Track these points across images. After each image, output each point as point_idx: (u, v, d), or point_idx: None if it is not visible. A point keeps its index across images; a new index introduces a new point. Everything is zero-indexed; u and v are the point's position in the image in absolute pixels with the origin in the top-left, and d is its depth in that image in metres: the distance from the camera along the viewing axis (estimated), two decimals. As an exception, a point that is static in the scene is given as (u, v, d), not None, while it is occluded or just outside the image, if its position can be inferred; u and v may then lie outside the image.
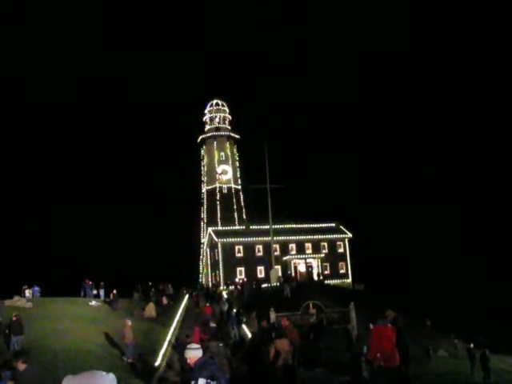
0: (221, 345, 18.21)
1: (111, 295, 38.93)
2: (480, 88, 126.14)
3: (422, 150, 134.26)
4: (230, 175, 78.53)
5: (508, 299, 43.49)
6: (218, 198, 76.73)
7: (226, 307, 38.22)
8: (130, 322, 24.59)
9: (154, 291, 46.08)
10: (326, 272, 64.37)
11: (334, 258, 66.66)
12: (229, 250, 63.94)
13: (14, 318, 22.24)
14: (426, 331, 33.91)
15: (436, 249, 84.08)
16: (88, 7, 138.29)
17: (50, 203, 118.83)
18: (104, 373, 4.94)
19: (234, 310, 35.84)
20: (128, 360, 22.78)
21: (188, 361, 7.55)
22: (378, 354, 11.12)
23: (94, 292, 42.52)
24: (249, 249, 64.20)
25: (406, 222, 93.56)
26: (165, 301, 42.61)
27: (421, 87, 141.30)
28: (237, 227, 69.47)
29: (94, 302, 38.32)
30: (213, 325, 28.53)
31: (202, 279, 75.27)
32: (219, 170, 78.16)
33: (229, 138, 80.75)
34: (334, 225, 69.00)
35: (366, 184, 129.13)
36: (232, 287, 53.22)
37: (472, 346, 26.52)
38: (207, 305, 37.68)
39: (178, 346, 23.43)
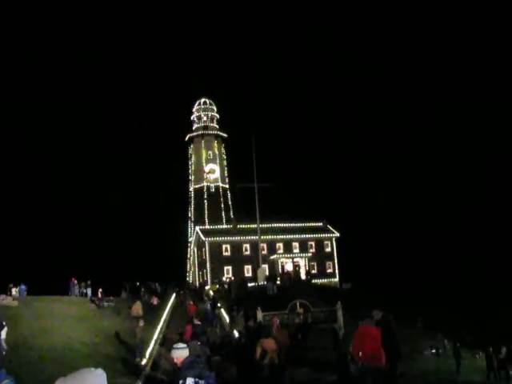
0: (199, 343, 18.19)
1: (98, 294, 38.84)
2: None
3: (413, 144, 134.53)
4: (217, 174, 78.47)
5: (499, 298, 43.80)
6: (205, 196, 76.65)
7: (208, 306, 38.20)
8: (142, 323, 24.75)
9: (144, 290, 45.94)
10: (313, 271, 64.42)
11: (321, 257, 66.75)
12: (216, 248, 63.90)
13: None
14: (416, 330, 34.06)
15: (426, 248, 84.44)
16: None
17: (36, 200, 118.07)
18: (92, 369, 4.97)
19: (222, 309, 35.94)
20: (137, 359, 22.80)
21: (175, 360, 7.55)
22: (360, 353, 11.17)
23: (84, 291, 42.33)
24: (236, 248, 64.20)
25: (394, 220, 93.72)
26: (155, 301, 42.48)
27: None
28: (224, 226, 69.43)
29: (106, 303, 38.60)
30: (197, 322, 28.54)
31: (189, 278, 75.17)
32: (207, 168, 78.09)
33: (216, 136, 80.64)
34: (321, 224, 69.09)
35: (354, 183, 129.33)
36: (218, 286, 53.22)
37: (458, 344, 26.70)
38: (191, 303, 37.72)
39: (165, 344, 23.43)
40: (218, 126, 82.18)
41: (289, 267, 63.10)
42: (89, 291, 42.11)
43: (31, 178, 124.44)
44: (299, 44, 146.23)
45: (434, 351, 30.50)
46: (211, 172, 78.08)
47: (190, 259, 77.23)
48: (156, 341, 27.31)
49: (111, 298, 42.15)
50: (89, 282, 42.41)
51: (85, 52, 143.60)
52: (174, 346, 7.78)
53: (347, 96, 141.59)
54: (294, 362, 18.42)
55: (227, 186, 79.03)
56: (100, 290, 38.92)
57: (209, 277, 62.57)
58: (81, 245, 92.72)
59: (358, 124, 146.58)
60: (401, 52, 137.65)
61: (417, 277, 66.97)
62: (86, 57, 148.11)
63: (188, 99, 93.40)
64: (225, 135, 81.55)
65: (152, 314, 36.33)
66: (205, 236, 64.21)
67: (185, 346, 7.75)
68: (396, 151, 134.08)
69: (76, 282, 42.57)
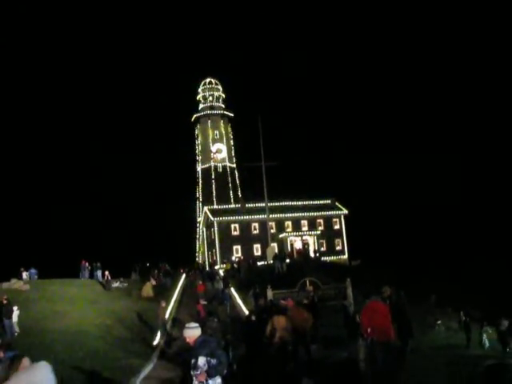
0: (216, 320, 18.39)
1: (105, 276, 38.93)
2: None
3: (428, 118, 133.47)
4: (224, 154, 78.44)
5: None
6: (213, 176, 76.73)
7: (220, 285, 38.48)
8: (164, 304, 24.97)
9: (157, 272, 46.11)
10: (322, 249, 64.53)
11: (330, 235, 66.76)
12: (225, 228, 64.02)
13: (5, 301, 22.34)
14: (429, 306, 34.08)
15: (436, 224, 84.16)
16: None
17: (46, 184, 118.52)
18: (41, 362, 5.44)
19: (232, 289, 36.12)
20: (159, 340, 22.98)
21: (187, 339, 7.63)
22: (369, 329, 11.24)
23: (95, 273, 42.37)
24: (245, 227, 64.29)
25: (404, 196, 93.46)
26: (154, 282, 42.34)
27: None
28: (232, 205, 69.51)
29: (116, 284, 38.93)
30: (203, 302, 28.77)
31: (199, 258, 75.49)
32: (214, 148, 78.04)
33: (223, 116, 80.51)
34: (329, 201, 68.97)
35: (362, 159, 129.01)
36: (231, 265, 53.39)
37: (468, 319, 26.77)
38: (200, 283, 38.01)
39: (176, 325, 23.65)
40: (223, 106, 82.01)
41: (298, 245, 63.24)
42: (99, 273, 42.22)
43: (41, 161, 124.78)
44: (306, 20, 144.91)
45: (444, 327, 30.61)
46: (218, 152, 78.05)
47: (199, 239, 77.49)
48: (167, 321, 27.52)
49: (121, 279, 42.43)
50: (99, 264, 42.51)
51: (87, 32, 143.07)
52: (187, 325, 7.86)
53: (355, 70, 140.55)
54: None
55: (234, 166, 79.06)
56: (106, 272, 38.95)
57: (218, 256, 62.78)
58: (91, 227, 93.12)
59: (367, 100, 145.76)
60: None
61: (428, 253, 66.82)
62: (89, 37, 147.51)
63: (193, 79, 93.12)
64: (231, 114, 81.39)
65: (163, 294, 36.58)
66: (213, 216, 64.32)
67: (197, 325, 7.83)
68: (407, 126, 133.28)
69: (87, 264, 42.73)
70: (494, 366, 3.98)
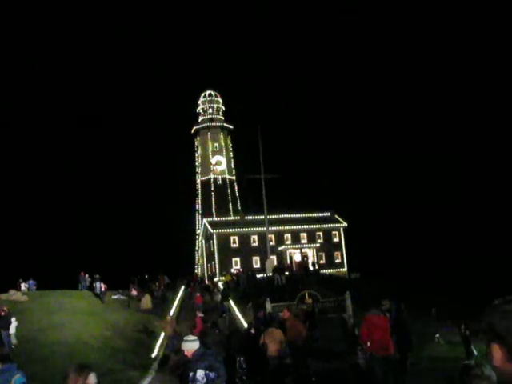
0: (217, 331, 18.38)
1: (102, 288, 38.77)
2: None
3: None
4: (224, 166, 78.56)
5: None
6: (212, 188, 76.78)
7: (219, 297, 38.39)
8: (169, 317, 25.00)
9: (158, 284, 46.08)
10: (321, 261, 64.45)
11: (329, 248, 66.69)
12: (224, 240, 63.93)
13: (3, 313, 22.23)
14: (430, 319, 34.01)
15: (437, 235, 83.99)
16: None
17: (44, 196, 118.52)
18: None
19: (231, 301, 36.06)
20: (167, 352, 22.91)
21: (185, 352, 7.63)
22: (368, 343, 11.22)
23: (94, 284, 42.19)
24: (244, 239, 64.23)
25: (404, 201, 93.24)
26: (135, 292, 42.20)
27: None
28: (232, 218, 69.48)
29: (116, 296, 38.84)
30: (200, 315, 28.70)
31: (198, 270, 75.40)
32: (213, 160, 78.17)
33: (222, 128, 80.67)
34: (329, 214, 68.98)
35: (361, 171, 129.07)
36: (224, 277, 53.31)
37: (468, 332, 26.70)
38: (198, 294, 37.93)
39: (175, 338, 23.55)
40: (223, 118, 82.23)
41: (297, 258, 63.17)
42: (98, 285, 42.01)
43: (40, 173, 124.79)
44: (305, 36, 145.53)
45: (444, 340, 30.51)
46: (218, 164, 78.18)
47: (198, 251, 77.46)
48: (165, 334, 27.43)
49: (120, 291, 42.34)
50: (98, 276, 42.33)
51: (86, 41, 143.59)
52: (185, 338, 7.87)
53: (355, 86, 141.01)
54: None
55: (234, 178, 79.15)
56: (102, 284, 38.79)
57: (217, 269, 62.65)
58: (90, 239, 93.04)
59: (365, 113, 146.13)
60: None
61: (428, 265, 66.67)
62: (88, 46, 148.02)
63: (193, 91, 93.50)
64: (231, 127, 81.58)
65: (162, 307, 36.54)
66: (212, 228, 64.27)
67: (195, 338, 7.83)
68: (406, 136, 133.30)
69: (86, 276, 42.60)
70: (465, 365, 4.16)
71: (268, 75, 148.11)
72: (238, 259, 63.43)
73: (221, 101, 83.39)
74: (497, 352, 2.13)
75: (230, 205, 76.48)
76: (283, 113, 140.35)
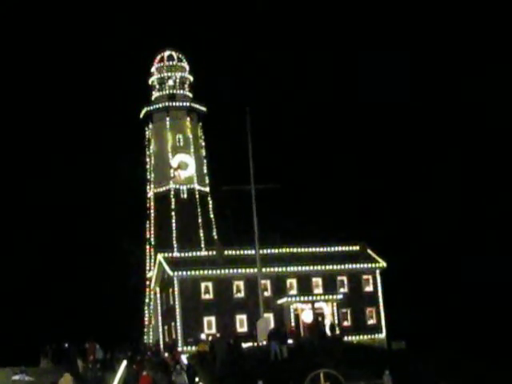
0: None
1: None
2: None
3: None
4: (191, 170, 78.53)
5: None
6: (173, 206, 76.67)
7: (184, 379, 37.98)
8: None
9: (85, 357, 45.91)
10: (345, 323, 64.39)
11: (358, 301, 66.61)
12: (191, 289, 63.71)
13: None
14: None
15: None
16: None
17: None
18: None
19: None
20: None
21: None
22: None
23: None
24: (223, 287, 64.04)
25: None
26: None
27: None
28: (204, 253, 69.29)
29: (18, 376, 38.48)
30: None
31: (149, 336, 75.22)
32: (175, 162, 77.98)
33: (190, 111, 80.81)
34: (357, 248, 68.99)
35: (403, 183, 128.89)
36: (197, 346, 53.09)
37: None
38: (144, 374, 37.38)
39: None
40: (191, 95, 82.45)
41: (307, 317, 62.93)
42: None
43: None
44: None
45: None
46: (182, 167, 77.98)
47: (149, 306, 77.20)
48: None
49: (23, 367, 42.02)
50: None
51: None
52: None
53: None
54: None
55: (207, 190, 79.28)
56: None
57: (179, 333, 62.34)
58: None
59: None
60: None
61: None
62: None
63: (144, 53, 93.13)
64: (203, 109, 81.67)
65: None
66: (173, 269, 63.94)
67: None
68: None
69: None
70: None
71: (259, 25, 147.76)
72: (212, 318, 63.30)
73: (187, 68, 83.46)
74: None
75: (201, 232, 76.41)
76: (285, 87, 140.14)
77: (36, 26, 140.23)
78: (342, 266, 66.87)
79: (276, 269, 63.81)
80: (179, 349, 58.42)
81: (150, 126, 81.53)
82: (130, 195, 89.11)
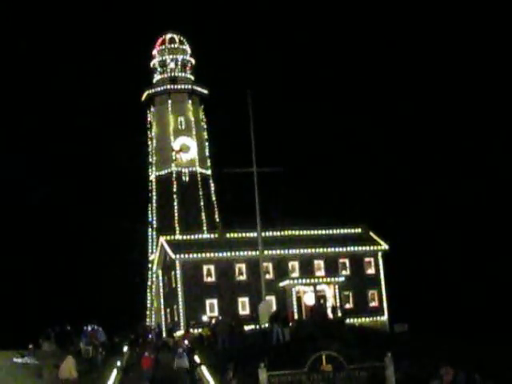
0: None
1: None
2: None
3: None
4: (193, 153, 78.42)
5: None
6: (174, 189, 76.65)
7: (184, 361, 37.80)
8: None
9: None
10: (347, 305, 64.40)
11: (360, 284, 66.58)
12: (193, 271, 63.70)
13: None
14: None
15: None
16: None
17: None
18: None
19: (204, 368, 35.88)
20: None
21: None
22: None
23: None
24: (225, 270, 64.03)
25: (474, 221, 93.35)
26: None
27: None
28: (206, 236, 69.46)
29: (17, 359, 38.66)
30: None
31: (151, 318, 75.24)
32: (176, 144, 77.88)
33: (192, 94, 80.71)
34: (359, 230, 68.96)
35: (409, 162, 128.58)
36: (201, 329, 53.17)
37: None
38: (146, 354, 37.23)
39: None
40: (193, 78, 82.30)
41: (309, 299, 62.88)
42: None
43: None
44: None
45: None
46: (184, 150, 77.80)
47: (151, 288, 77.16)
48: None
49: (29, 350, 42.14)
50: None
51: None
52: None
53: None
54: None
55: (209, 172, 79.19)
56: None
57: (181, 316, 62.35)
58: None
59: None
60: None
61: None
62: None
63: (146, 36, 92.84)
64: (205, 91, 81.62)
65: (93, 375, 36.30)
66: (175, 252, 63.88)
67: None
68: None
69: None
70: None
71: (261, 8, 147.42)
72: (214, 301, 63.28)
73: (189, 51, 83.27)
74: None
75: (203, 215, 76.37)
76: (288, 70, 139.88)
77: (36, 9, 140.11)
78: (344, 249, 66.87)
79: (278, 251, 63.84)
80: (180, 332, 58.54)
81: (152, 108, 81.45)
82: (132, 178, 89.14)
